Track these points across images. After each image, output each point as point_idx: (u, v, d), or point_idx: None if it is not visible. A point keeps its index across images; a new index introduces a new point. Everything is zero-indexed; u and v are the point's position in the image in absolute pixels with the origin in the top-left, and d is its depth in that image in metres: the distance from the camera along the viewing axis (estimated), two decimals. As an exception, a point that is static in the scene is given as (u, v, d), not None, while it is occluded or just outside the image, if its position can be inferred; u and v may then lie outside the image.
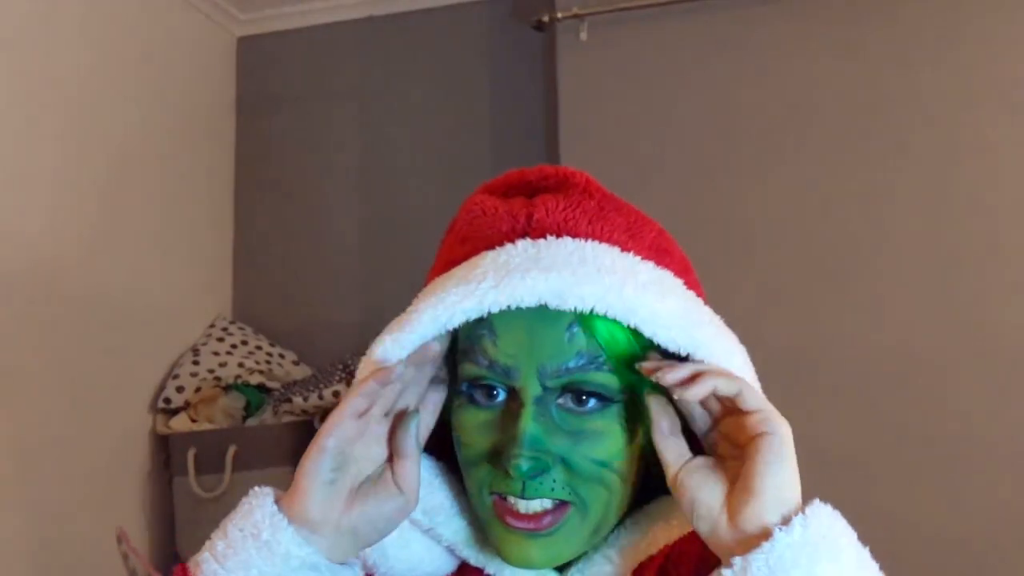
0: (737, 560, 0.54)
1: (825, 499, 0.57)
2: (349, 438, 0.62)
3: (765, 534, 0.54)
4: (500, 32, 2.41)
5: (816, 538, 0.53)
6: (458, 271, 0.65)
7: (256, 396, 2.27)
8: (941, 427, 1.80)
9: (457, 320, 0.61)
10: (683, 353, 0.61)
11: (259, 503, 0.61)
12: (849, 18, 1.95)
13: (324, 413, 2.20)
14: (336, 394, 2.15)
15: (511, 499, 0.61)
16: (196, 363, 2.21)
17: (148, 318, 2.17)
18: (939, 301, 1.83)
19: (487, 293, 0.60)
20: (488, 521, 0.64)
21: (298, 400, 2.18)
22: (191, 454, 2.12)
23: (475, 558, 0.68)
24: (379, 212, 2.46)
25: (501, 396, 0.63)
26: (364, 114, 2.50)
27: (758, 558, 0.53)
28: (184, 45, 2.39)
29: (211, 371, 2.20)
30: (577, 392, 0.62)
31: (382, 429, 0.65)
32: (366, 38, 2.52)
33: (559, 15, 2.10)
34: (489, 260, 0.63)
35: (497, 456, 0.61)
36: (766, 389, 0.70)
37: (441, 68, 2.46)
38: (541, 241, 0.63)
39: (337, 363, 2.23)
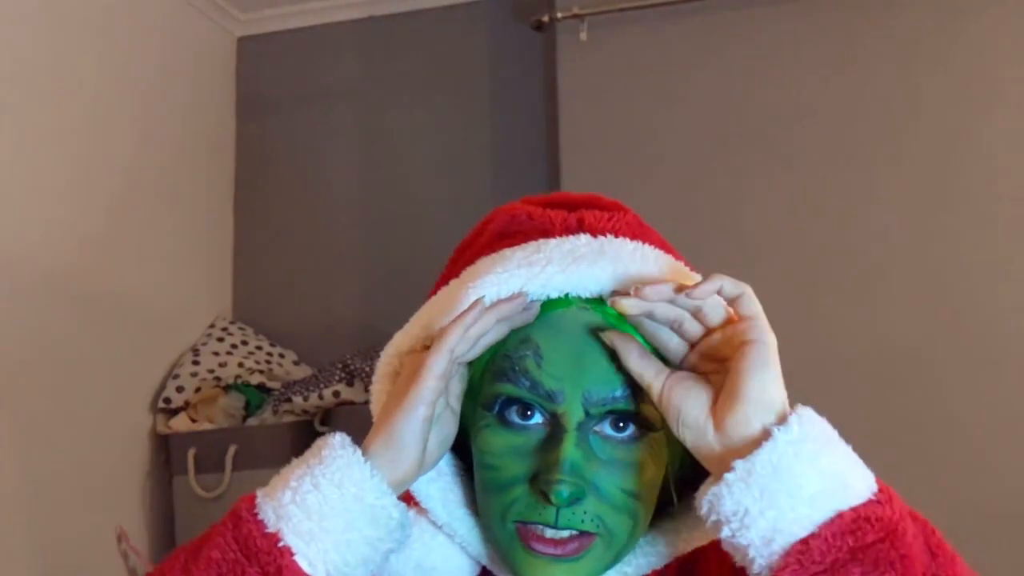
0: (739, 463, 0.54)
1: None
2: (439, 396, 0.61)
3: (757, 437, 0.55)
4: (500, 32, 2.41)
5: (814, 433, 0.55)
6: (514, 253, 0.64)
7: (256, 396, 2.27)
8: (938, 430, 1.80)
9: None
10: None
11: (353, 459, 0.59)
12: (847, 20, 1.95)
13: (324, 413, 2.20)
14: (336, 394, 2.16)
15: (539, 526, 0.60)
16: (196, 363, 2.21)
17: (148, 318, 2.17)
18: (936, 305, 1.83)
19: (553, 276, 0.61)
20: (508, 546, 0.62)
21: (298, 400, 2.18)
22: (191, 454, 2.12)
23: (488, 559, 0.67)
24: (379, 212, 2.46)
25: (536, 418, 0.61)
26: (364, 114, 2.50)
27: (761, 458, 0.54)
28: (184, 45, 2.39)
29: (211, 371, 2.21)
30: (618, 417, 0.61)
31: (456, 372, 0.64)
32: (366, 38, 2.52)
33: (559, 15, 2.10)
34: (552, 246, 0.63)
35: (533, 482, 0.60)
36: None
37: (441, 68, 2.46)
38: (602, 238, 0.64)
39: (337, 363, 2.23)
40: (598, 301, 0.62)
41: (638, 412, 0.61)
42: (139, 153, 2.17)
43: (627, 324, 0.61)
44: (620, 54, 2.09)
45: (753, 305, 0.58)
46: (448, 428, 0.64)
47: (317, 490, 0.58)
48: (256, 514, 0.58)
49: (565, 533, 0.60)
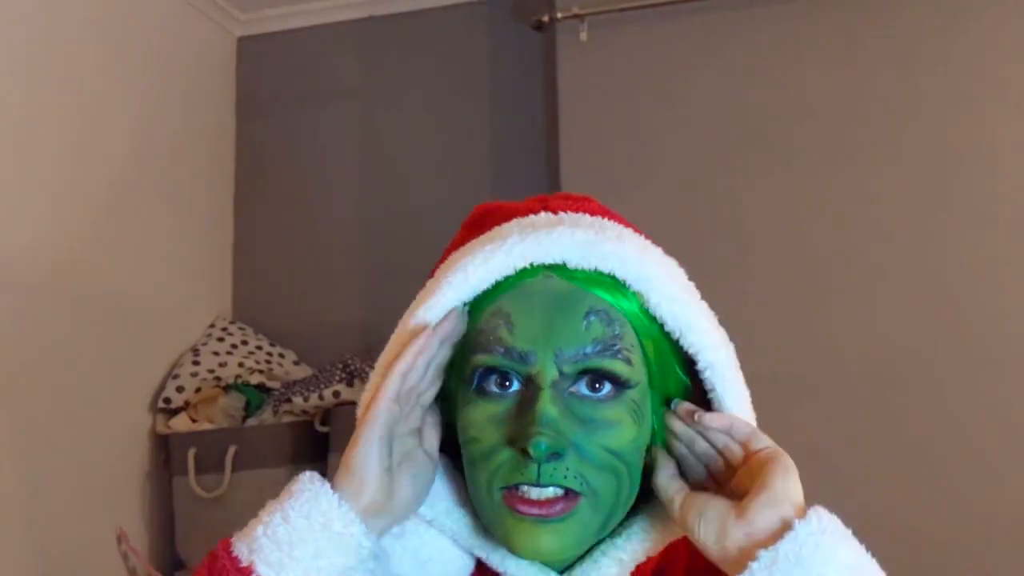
0: (763, 553, 0.57)
1: (823, 504, 0.60)
2: (395, 420, 0.64)
3: (779, 528, 0.58)
4: (500, 32, 2.41)
5: (831, 527, 0.58)
6: (480, 239, 0.67)
7: (256, 396, 2.27)
8: (939, 431, 1.80)
9: (486, 280, 0.64)
10: (675, 335, 0.65)
11: (321, 491, 0.62)
12: (848, 20, 1.95)
13: (324, 413, 2.20)
14: (336, 394, 2.15)
15: (523, 487, 0.61)
16: (196, 363, 2.21)
17: (148, 318, 2.17)
18: (937, 305, 1.83)
19: (514, 247, 0.63)
20: (496, 515, 0.63)
21: (298, 400, 2.18)
22: (191, 454, 2.12)
23: (479, 548, 0.68)
24: (379, 212, 2.46)
25: (515, 386, 0.63)
26: (364, 114, 2.50)
27: (784, 547, 0.56)
28: (184, 45, 2.39)
29: (211, 371, 2.20)
30: (593, 376, 0.63)
31: (417, 403, 0.66)
32: (366, 38, 2.51)
33: (559, 15, 2.10)
34: (514, 223, 0.67)
35: (513, 443, 0.61)
36: (762, 393, 0.71)
37: (441, 68, 2.46)
38: (562, 213, 0.67)
39: (337, 363, 2.23)
40: (562, 267, 0.64)
41: (612, 369, 0.62)
42: (139, 153, 2.17)
43: (592, 286, 0.63)
44: (620, 54, 2.09)
45: (765, 438, 0.63)
46: (421, 468, 0.66)
47: (287, 522, 0.61)
48: (231, 551, 0.61)
49: (550, 491, 0.61)
